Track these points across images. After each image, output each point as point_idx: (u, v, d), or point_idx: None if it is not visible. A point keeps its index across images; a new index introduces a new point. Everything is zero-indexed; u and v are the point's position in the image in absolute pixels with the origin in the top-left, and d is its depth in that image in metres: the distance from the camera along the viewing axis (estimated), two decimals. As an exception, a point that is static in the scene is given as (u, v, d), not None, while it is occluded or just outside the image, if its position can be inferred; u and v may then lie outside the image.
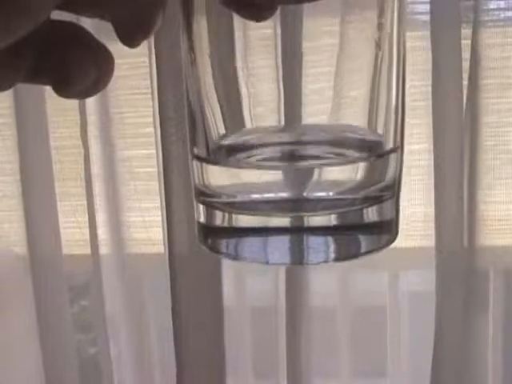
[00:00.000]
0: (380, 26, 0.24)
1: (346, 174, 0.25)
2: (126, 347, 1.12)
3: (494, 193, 0.95)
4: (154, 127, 1.02)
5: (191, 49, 0.25)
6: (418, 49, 0.93)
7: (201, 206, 0.26)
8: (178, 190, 0.99)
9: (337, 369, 1.09)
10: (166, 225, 1.01)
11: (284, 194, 0.25)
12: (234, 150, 0.26)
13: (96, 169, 1.07)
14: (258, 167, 0.25)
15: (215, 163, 0.25)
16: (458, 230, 0.95)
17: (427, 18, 0.92)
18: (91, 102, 1.04)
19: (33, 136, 1.06)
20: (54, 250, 1.09)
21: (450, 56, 0.91)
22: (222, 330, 1.04)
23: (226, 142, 0.26)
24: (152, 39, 0.95)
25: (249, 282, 1.10)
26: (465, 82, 0.92)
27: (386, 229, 0.26)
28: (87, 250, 1.08)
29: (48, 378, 1.12)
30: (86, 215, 1.07)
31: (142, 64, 1.01)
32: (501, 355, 1.05)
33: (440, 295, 0.98)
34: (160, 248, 1.05)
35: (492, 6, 0.93)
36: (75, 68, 0.22)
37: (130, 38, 0.21)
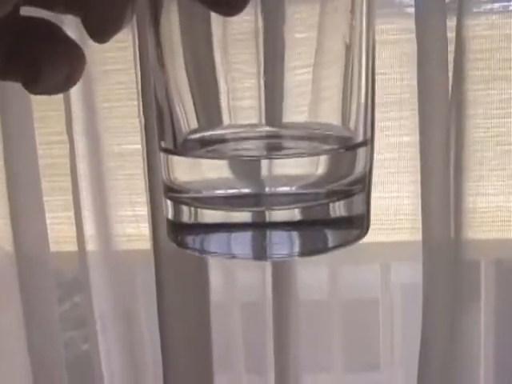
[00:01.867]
0: (350, 27, 0.24)
1: (307, 167, 0.25)
2: (114, 343, 1.11)
3: (480, 185, 0.95)
4: (140, 120, 1.01)
5: (158, 43, 0.25)
6: (404, 41, 0.93)
7: (168, 202, 0.26)
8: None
9: (328, 363, 1.09)
10: (151, 220, 1.01)
11: (246, 189, 0.25)
12: (201, 144, 0.26)
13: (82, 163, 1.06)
14: (223, 158, 0.26)
15: (181, 154, 0.25)
16: (445, 223, 0.95)
17: (412, 10, 0.91)
18: (76, 95, 1.04)
19: (18, 131, 1.05)
20: (41, 247, 1.08)
21: (435, 48, 0.91)
22: (210, 325, 1.03)
23: (196, 136, 0.26)
24: (136, 31, 0.94)
25: (236, 277, 1.10)
26: (450, 74, 0.91)
27: (356, 224, 0.26)
28: (74, 247, 1.08)
29: (36, 375, 1.11)
30: (73, 211, 1.07)
31: (126, 57, 1.00)
32: (492, 347, 1.05)
33: (427, 288, 0.98)
34: (147, 243, 1.05)
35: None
36: (46, 65, 0.21)
37: (100, 34, 0.21)
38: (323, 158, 0.25)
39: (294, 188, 0.25)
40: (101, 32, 0.21)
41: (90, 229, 1.07)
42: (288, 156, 0.25)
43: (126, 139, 1.06)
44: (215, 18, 0.23)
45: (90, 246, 1.08)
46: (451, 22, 0.91)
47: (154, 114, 0.26)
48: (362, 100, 0.25)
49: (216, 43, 0.24)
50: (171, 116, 0.25)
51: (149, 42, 0.25)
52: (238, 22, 0.23)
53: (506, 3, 0.94)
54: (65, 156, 1.06)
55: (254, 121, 0.25)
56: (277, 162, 0.25)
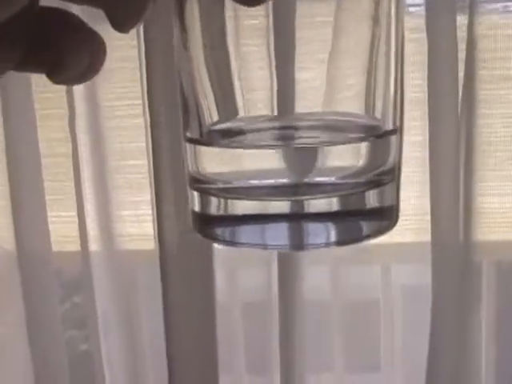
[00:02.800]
0: (377, 4, 0.24)
1: (348, 158, 0.24)
2: (117, 343, 1.11)
3: (490, 185, 0.95)
4: (144, 118, 1.00)
5: (184, 32, 0.25)
6: (410, 40, 0.93)
7: (195, 194, 0.26)
8: (167, 184, 0.97)
9: (331, 363, 1.08)
10: (156, 219, 1.00)
11: (284, 179, 0.24)
12: (227, 134, 0.26)
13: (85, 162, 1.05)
14: (258, 147, 0.25)
15: (211, 145, 0.25)
16: (454, 224, 0.94)
17: (415, 9, 0.91)
18: (79, 93, 1.03)
19: (20, 129, 1.04)
20: (43, 246, 1.07)
21: (445, 47, 0.90)
22: (215, 325, 1.03)
23: (219, 127, 0.25)
24: (141, 30, 0.94)
25: (241, 277, 1.09)
26: (461, 74, 0.91)
27: (387, 214, 0.26)
28: (77, 246, 1.07)
29: (38, 375, 1.11)
30: (76, 210, 1.06)
31: (131, 55, 0.99)
32: (494, 351, 1.05)
33: (436, 290, 0.97)
34: (151, 243, 1.04)
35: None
36: (68, 54, 0.21)
37: (122, 24, 0.21)
38: (359, 150, 0.24)
39: (333, 178, 0.24)
40: (124, 22, 0.21)
41: (92, 228, 1.07)
42: (323, 144, 0.25)
43: (130, 138, 1.05)
44: (228, 7, 0.23)
45: (93, 245, 1.07)
46: (462, 21, 0.90)
47: (179, 103, 0.26)
48: (392, 86, 0.25)
49: (229, 36, 0.24)
50: (196, 105, 0.25)
51: (174, 30, 0.25)
52: (250, 13, 0.23)
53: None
54: (68, 155, 1.05)
55: (269, 112, 0.24)
56: (315, 150, 0.24)
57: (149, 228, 1.05)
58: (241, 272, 1.09)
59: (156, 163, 0.97)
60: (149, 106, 0.96)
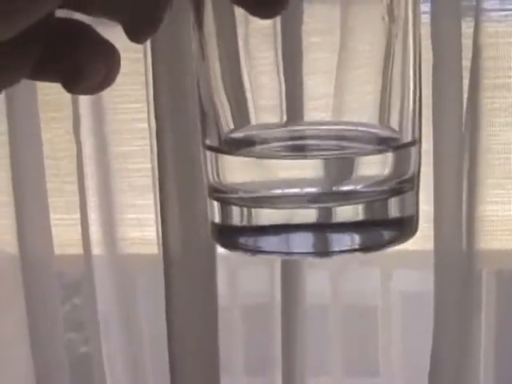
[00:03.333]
0: (392, 5, 0.23)
1: (374, 167, 0.24)
2: (118, 346, 1.11)
3: (493, 193, 0.95)
4: (149, 123, 1.00)
5: (202, 41, 0.25)
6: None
7: (215, 203, 0.26)
8: (171, 188, 0.97)
9: (332, 367, 1.08)
10: (159, 223, 1.00)
11: (309, 188, 0.25)
12: (247, 142, 0.26)
13: (89, 166, 1.05)
14: (282, 157, 0.25)
15: (231, 153, 0.25)
16: (457, 232, 0.94)
17: (427, 16, 0.91)
18: (84, 96, 1.03)
19: (24, 131, 1.04)
20: (46, 249, 1.07)
21: (450, 54, 0.90)
22: (216, 328, 1.02)
23: (236, 135, 0.25)
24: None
25: (244, 280, 1.09)
26: (465, 81, 0.91)
27: (407, 223, 0.26)
28: (79, 249, 1.07)
29: (39, 376, 1.11)
30: (79, 213, 1.06)
31: (136, 59, 1.00)
32: (494, 357, 1.05)
33: (438, 297, 0.97)
34: (154, 247, 1.04)
35: (489, 5, 0.93)
36: (86, 65, 0.22)
37: (138, 35, 0.21)
38: (385, 159, 0.25)
39: (358, 187, 0.25)
40: (140, 33, 0.21)
41: (95, 232, 1.07)
42: (349, 154, 0.25)
43: (134, 141, 1.05)
44: (238, 18, 0.23)
45: (96, 249, 1.07)
46: (468, 29, 0.90)
47: (198, 112, 0.26)
48: (410, 96, 0.24)
49: (240, 46, 0.24)
50: (214, 114, 0.25)
51: (192, 39, 0.25)
52: (259, 21, 0.22)
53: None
54: (71, 157, 1.05)
55: (280, 120, 0.24)
56: (342, 160, 0.25)
57: (152, 232, 1.05)
58: (243, 275, 1.09)
59: (160, 167, 0.97)
60: (155, 110, 0.96)
